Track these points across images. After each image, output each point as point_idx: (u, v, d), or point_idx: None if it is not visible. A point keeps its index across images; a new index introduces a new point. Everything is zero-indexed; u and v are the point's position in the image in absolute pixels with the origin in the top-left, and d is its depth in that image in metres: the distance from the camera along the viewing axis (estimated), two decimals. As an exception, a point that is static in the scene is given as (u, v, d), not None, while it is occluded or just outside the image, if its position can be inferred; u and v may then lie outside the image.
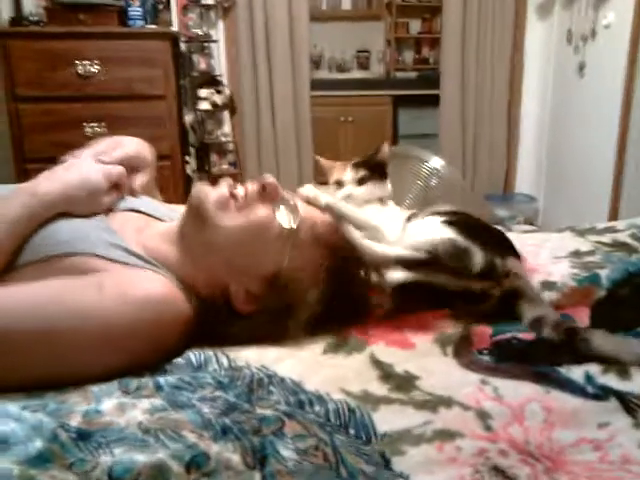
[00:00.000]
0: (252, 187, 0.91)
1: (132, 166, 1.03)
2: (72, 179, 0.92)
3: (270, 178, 0.91)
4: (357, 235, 0.92)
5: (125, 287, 0.81)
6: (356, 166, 1.13)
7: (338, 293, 0.89)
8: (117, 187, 0.99)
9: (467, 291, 0.91)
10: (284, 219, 0.89)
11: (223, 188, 0.91)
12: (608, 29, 2.99)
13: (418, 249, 0.90)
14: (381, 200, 1.12)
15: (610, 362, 0.77)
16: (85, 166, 0.96)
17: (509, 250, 0.98)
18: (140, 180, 1.05)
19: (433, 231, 0.94)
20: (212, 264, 0.89)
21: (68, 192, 0.91)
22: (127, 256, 0.87)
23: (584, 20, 3.14)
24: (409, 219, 1.04)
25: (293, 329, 0.87)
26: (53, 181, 0.92)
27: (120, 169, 0.99)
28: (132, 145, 1.06)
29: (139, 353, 0.81)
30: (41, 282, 0.80)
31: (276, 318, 0.88)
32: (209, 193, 0.90)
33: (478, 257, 0.90)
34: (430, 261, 0.89)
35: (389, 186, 1.14)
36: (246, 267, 0.89)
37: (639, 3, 2.73)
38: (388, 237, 0.99)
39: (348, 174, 1.12)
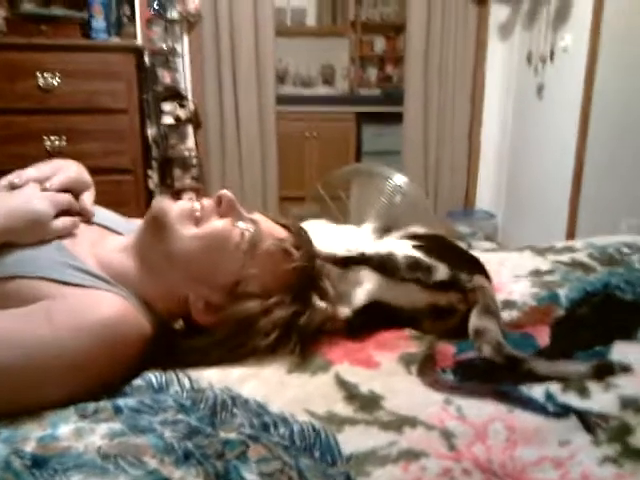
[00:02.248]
0: (209, 201, 0.93)
1: (76, 189, 0.98)
2: (16, 209, 0.86)
3: (226, 192, 0.93)
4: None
5: (78, 312, 0.78)
6: None
7: (301, 307, 0.89)
8: (67, 213, 0.94)
9: (433, 306, 0.92)
10: (242, 230, 0.90)
11: (184, 202, 0.92)
12: (566, 51, 3.07)
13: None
14: None
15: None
16: (29, 194, 0.90)
17: (478, 270, 0.99)
18: (89, 199, 1.00)
19: (400, 249, 0.96)
20: (171, 276, 0.88)
21: (11, 224, 0.85)
22: (79, 275, 0.84)
23: (543, 42, 3.23)
24: (381, 234, 1.05)
25: (254, 343, 0.86)
26: None
27: (66, 195, 0.94)
28: (73, 168, 1.00)
29: (100, 376, 0.79)
30: None
31: (237, 331, 0.87)
32: (171, 205, 0.90)
33: (441, 271, 0.92)
34: (389, 263, 0.91)
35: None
36: (205, 277, 0.89)
37: (595, 25, 2.82)
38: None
39: None
